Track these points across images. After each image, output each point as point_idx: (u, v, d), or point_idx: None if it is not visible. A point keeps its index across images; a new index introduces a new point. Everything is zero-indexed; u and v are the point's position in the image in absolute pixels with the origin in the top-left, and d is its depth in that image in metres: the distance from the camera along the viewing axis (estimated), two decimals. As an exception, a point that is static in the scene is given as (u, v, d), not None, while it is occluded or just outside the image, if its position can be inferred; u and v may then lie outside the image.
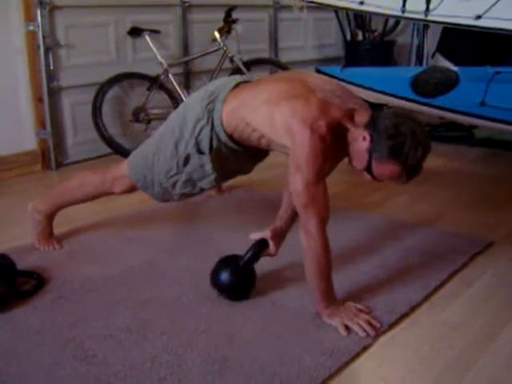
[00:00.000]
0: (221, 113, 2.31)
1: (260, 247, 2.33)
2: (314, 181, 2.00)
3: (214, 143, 2.35)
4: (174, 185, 2.46)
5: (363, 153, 2.04)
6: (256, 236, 2.38)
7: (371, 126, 2.03)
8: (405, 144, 1.95)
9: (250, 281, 2.27)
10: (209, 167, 2.39)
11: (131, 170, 2.54)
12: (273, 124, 2.16)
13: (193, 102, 2.41)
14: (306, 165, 2.00)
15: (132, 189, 2.60)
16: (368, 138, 2.01)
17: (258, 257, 2.32)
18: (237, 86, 2.36)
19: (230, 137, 2.34)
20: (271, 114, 2.16)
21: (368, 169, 2.05)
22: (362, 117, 2.09)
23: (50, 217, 2.74)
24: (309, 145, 2.00)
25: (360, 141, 2.05)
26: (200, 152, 2.37)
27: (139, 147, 2.60)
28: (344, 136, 2.10)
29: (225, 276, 2.23)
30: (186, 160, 2.39)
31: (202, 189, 2.50)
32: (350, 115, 2.10)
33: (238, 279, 2.24)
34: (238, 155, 2.43)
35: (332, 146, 2.05)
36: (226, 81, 2.43)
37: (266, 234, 2.37)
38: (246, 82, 2.42)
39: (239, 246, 2.64)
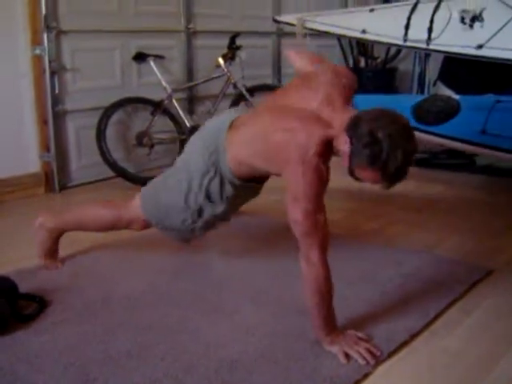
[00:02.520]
0: (227, 162, 2.36)
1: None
2: (314, 210, 2.01)
3: (228, 191, 2.42)
4: (192, 230, 2.54)
5: (346, 157, 1.99)
6: None
7: (351, 129, 1.96)
8: (382, 151, 1.87)
9: None
10: (223, 212, 2.47)
11: (148, 214, 2.58)
12: (268, 161, 2.22)
13: (194, 154, 2.45)
14: (303, 196, 2.01)
15: (149, 226, 2.64)
16: (348, 143, 1.96)
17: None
18: (231, 124, 2.39)
19: (242, 179, 2.41)
20: (264, 151, 2.22)
21: (351, 172, 2.01)
22: (344, 119, 2.03)
23: (58, 236, 2.77)
24: (304, 178, 2.01)
25: (343, 144, 1.99)
26: (212, 202, 2.44)
27: (150, 188, 2.63)
28: (331, 145, 2.09)
29: None
30: (200, 212, 2.46)
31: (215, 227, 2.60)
32: (330, 125, 2.07)
33: None
34: (251, 188, 2.52)
35: (326, 166, 2.06)
36: (219, 125, 2.44)
37: None
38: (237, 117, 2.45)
39: (240, 271, 2.66)
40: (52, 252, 2.77)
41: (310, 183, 2.01)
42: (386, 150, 1.87)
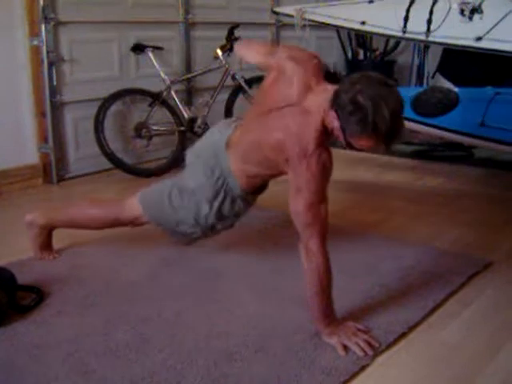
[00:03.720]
0: (236, 182, 2.39)
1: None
2: (316, 201, 2.03)
3: (240, 207, 2.47)
4: (198, 238, 2.58)
5: (338, 131, 2.00)
6: None
7: (335, 103, 1.96)
8: (367, 115, 1.86)
9: None
10: (233, 222, 2.54)
11: (153, 219, 2.57)
12: (269, 162, 2.24)
13: (199, 181, 2.43)
14: (306, 188, 2.02)
15: (147, 223, 2.64)
16: (335, 115, 1.96)
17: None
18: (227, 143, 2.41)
19: (251, 189, 2.45)
20: (262, 155, 2.24)
21: (349, 145, 2.01)
22: (324, 100, 2.03)
23: (50, 231, 2.77)
24: (306, 171, 2.03)
25: (333, 121, 2.00)
26: (222, 219, 2.47)
27: (153, 196, 2.58)
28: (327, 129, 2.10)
29: None
30: (212, 228, 2.49)
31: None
32: (316, 110, 2.07)
33: None
34: (256, 195, 2.57)
35: (328, 152, 2.08)
36: (215, 147, 2.43)
37: None
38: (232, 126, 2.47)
39: (238, 263, 2.66)
40: (46, 245, 2.77)
41: (313, 175, 2.02)
42: (371, 113, 1.86)
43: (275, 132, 2.13)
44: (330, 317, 2.08)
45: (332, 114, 1.98)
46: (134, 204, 2.59)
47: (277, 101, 2.21)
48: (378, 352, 2.00)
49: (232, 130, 2.44)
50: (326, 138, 2.09)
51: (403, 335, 2.12)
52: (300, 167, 2.04)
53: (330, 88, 2.07)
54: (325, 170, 2.05)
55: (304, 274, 2.05)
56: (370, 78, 1.94)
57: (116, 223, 2.65)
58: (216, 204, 2.41)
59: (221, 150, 2.40)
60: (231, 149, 2.38)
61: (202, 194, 2.42)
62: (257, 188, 2.49)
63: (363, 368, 1.92)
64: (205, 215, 2.43)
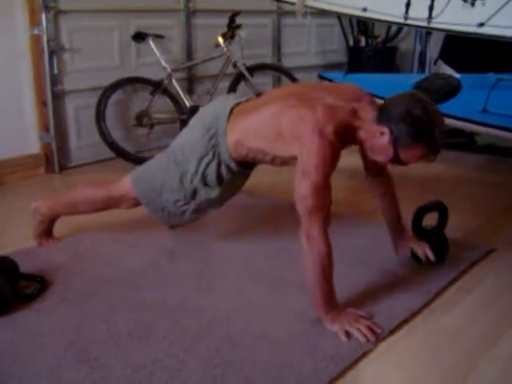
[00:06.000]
0: (226, 146, 2.38)
1: None
2: (321, 186, 2.03)
3: (224, 174, 2.44)
4: (183, 213, 2.56)
5: (386, 146, 2.07)
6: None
7: (384, 118, 2.06)
8: (424, 125, 2.00)
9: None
10: (217, 196, 2.49)
11: (139, 193, 2.59)
12: (281, 138, 2.21)
13: (193, 137, 2.46)
14: (314, 170, 2.02)
15: (138, 204, 2.65)
16: (387, 131, 2.04)
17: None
18: (232, 110, 2.42)
19: (241, 163, 2.42)
20: (277, 128, 2.21)
21: (396, 158, 2.09)
22: (368, 113, 2.13)
23: (53, 220, 2.79)
24: (318, 151, 2.03)
25: (379, 137, 2.08)
26: (207, 185, 2.45)
27: (143, 168, 2.66)
28: (354, 135, 2.15)
29: None
30: (194, 193, 2.48)
31: (208, 211, 2.61)
32: (355, 114, 2.14)
33: None
34: (244, 174, 2.55)
35: (340, 148, 2.10)
36: (219, 109, 2.45)
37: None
38: (237, 103, 2.47)
39: (239, 251, 2.67)
40: (47, 233, 2.81)
41: (323, 157, 2.03)
42: (428, 123, 2.00)
43: (303, 107, 2.14)
44: (331, 303, 2.08)
45: (379, 130, 2.06)
46: (125, 180, 2.64)
47: (316, 89, 2.30)
48: (380, 338, 2.01)
49: (240, 101, 2.47)
50: (345, 140, 2.12)
51: (405, 321, 2.12)
52: (311, 143, 2.04)
53: (374, 106, 2.15)
54: (333, 158, 2.06)
55: (304, 260, 2.06)
56: (414, 95, 2.09)
57: (110, 202, 2.67)
58: (203, 164, 2.41)
59: (223, 114, 2.41)
60: (235, 116, 2.39)
61: (191, 152, 2.43)
62: (241, 163, 2.46)
63: (365, 354, 1.93)
64: (191, 174, 2.44)
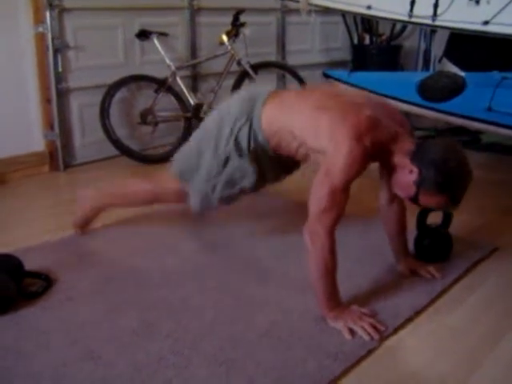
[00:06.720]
0: (260, 115, 2.37)
1: None
2: (341, 188, 2.03)
3: (252, 144, 2.41)
4: (214, 187, 2.50)
5: (410, 185, 2.07)
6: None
7: (418, 158, 2.05)
8: (453, 178, 2.02)
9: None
10: (247, 166, 2.44)
11: (176, 170, 2.60)
12: (317, 129, 2.19)
13: (230, 105, 2.47)
14: (338, 172, 2.02)
15: (181, 197, 2.61)
16: (416, 171, 2.04)
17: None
18: (272, 94, 2.43)
19: (268, 141, 2.39)
20: (317, 119, 2.19)
21: (414, 198, 2.09)
22: (407, 144, 2.11)
23: (100, 212, 2.87)
24: (348, 154, 2.02)
25: (407, 173, 2.08)
26: (239, 153, 2.42)
27: (181, 150, 2.66)
28: (385, 157, 2.14)
29: None
30: (226, 161, 2.45)
31: (241, 190, 2.52)
32: (395, 139, 2.12)
33: None
34: (272, 161, 2.49)
35: (370, 160, 2.09)
36: (260, 89, 2.49)
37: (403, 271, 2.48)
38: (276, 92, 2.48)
39: (243, 249, 2.66)
40: (87, 223, 2.89)
41: (352, 161, 2.02)
42: (457, 179, 2.04)
43: (349, 111, 2.12)
44: (334, 300, 2.08)
45: (411, 168, 2.06)
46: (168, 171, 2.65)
47: (366, 101, 2.25)
48: (384, 336, 2.01)
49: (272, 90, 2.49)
50: (374, 156, 2.11)
51: (409, 320, 2.12)
52: (343, 148, 2.03)
53: (413, 142, 2.13)
54: (360, 166, 2.05)
55: (309, 257, 2.06)
56: (452, 145, 2.12)
57: (157, 195, 2.70)
58: (236, 127, 2.40)
59: (264, 91, 2.45)
60: (275, 97, 2.41)
61: (228, 114, 2.44)
62: (270, 146, 2.43)
63: (370, 352, 1.93)
64: (225, 137, 2.42)
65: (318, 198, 2.05)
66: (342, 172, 2.02)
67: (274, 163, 2.51)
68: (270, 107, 2.37)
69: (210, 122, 2.55)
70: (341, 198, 2.04)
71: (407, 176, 2.08)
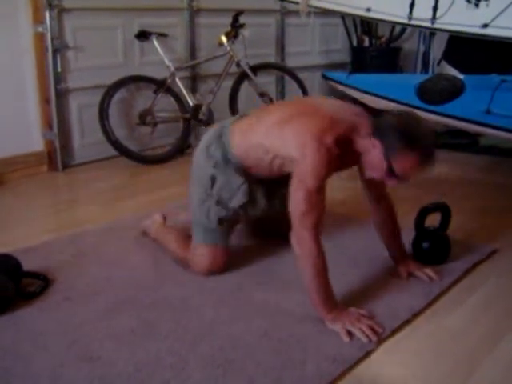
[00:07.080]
0: (230, 139, 2.41)
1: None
2: (315, 190, 2.07)
3: (227, 157, 2.44)
4: (208, 211, 2.45)
5: (379, 159, 2.09)
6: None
7: (376, 132, 2.10)
8: (415, 132, 2.04)
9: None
10: (234, 180, 2.43)
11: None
12: (283, 138, 2.22)
13: (202, 140, 2.54)
14: (310, 175, 2.06)
15: (207, 267, 2.49)
16: (378, 142, 2.07)
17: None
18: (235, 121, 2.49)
19: (242, 164, 2.42)
20: (281, 129, 2.24)
21: (390, 171, 2.08)
22: (365, 128, 2.15)
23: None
24: (314, 157, 2.07)
25: (371, 149, 2.11)
26: (217, 168, 2.44)
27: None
28: (351, 149, 2.17)
29: None
30: (213, 180, 2.44)
31: (234, 212, 2.48)
32: (355, 128, 2.16)
33: None
34: (253, 181, 2.48)
35: (338, 158, 2.12)
36: (224, 121, 2.57)
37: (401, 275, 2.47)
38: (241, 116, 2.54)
39: (242, 250, 2.66)
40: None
41: (319, 161, 2.06)
42: (419, 131, 2.06)
43: (306, 116, 2.20)
44: (330, 302, 2.09)
45: (372, 143, 2.09)
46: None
47: (323, 102, 2.36)
48: (382, 338, 2.01)
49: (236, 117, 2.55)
50: (342, 152, 2.13)
51: (407, 321, 2.12)
52: (308, 152, 2.08)
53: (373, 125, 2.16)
54: (329, 164, 2.09)
55: (298, 262, 2.09)
56: (401, 111, 2.22)
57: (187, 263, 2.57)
58: (210, 151, 2.44)
59: (228, 121, 2.52)
60: (241, 120, 2.46)
61: (201, 151, 2.50)
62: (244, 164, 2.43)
63: (368, 354, 1.93)
64: (203, 162, 2.46)
65: (296, 204, 2.09)
66: (312, 175, 2.07)
67: (256, 183, 2.50)
68: (237, 131, 2.42)
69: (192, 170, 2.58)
70: (317, 199, 2.08)
71: (373, 153, 2.11)
